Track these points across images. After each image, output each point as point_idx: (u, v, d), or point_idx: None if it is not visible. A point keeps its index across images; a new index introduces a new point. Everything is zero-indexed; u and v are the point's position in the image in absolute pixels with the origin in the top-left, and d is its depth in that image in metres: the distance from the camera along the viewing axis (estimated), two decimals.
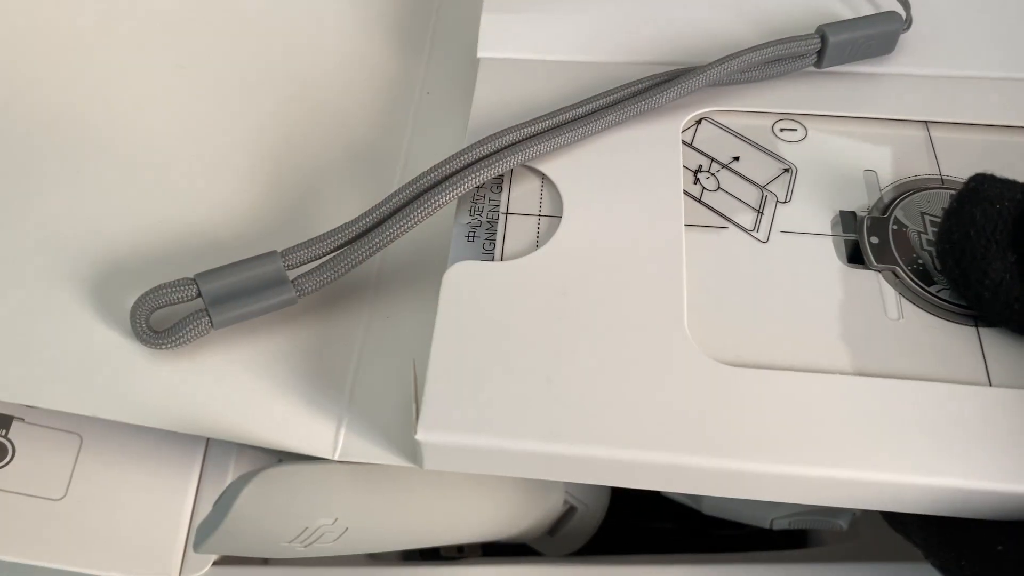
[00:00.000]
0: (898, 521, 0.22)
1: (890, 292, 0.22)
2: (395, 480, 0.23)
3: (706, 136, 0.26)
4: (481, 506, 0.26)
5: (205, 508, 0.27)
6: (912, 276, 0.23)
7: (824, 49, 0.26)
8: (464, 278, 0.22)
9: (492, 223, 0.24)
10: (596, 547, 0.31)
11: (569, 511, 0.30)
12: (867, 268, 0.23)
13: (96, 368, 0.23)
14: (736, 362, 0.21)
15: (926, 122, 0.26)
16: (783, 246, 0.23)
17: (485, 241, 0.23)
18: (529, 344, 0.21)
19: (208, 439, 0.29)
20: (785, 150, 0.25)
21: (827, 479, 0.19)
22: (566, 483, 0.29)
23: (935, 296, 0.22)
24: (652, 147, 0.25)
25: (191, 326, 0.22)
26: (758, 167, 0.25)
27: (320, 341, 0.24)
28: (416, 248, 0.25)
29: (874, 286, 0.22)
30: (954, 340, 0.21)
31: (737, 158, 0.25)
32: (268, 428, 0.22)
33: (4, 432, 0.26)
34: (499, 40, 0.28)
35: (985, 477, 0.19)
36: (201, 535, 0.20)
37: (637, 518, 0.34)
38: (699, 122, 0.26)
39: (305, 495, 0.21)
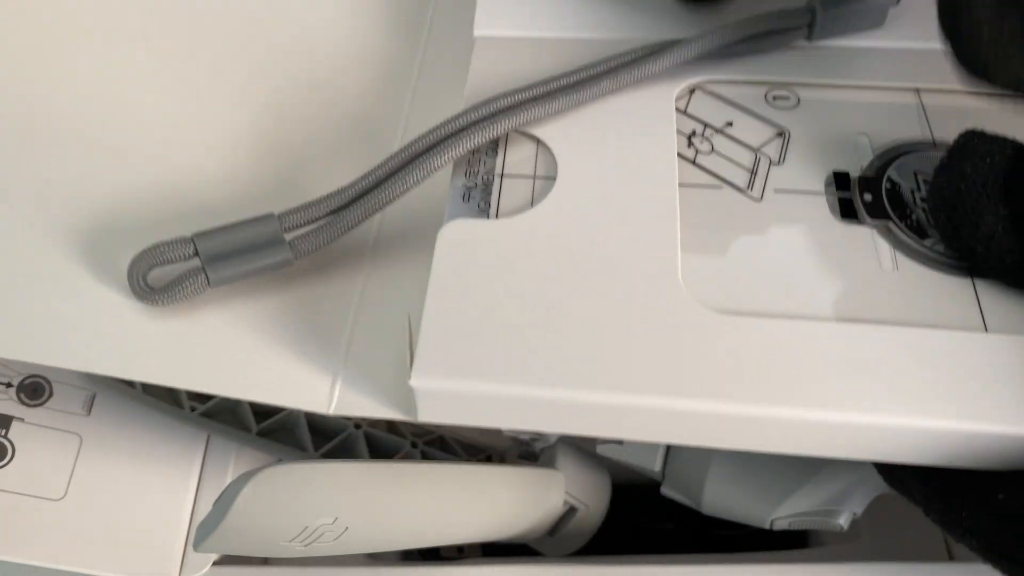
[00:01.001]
0: (897, 479, 0.22)
1: (884, 245, 0.22)
2: (395, 480, 0.23)
3: (699, 104, 0.26)
4: (481, 506, 0.26)
5: (205, 508, 0.27)
6: (906, 230, 0.23)
7: (815, 22, 0.26)
8: (459, 235, 0.22)
9: (487, 185, 0.24)
10: (596, 547, 0.31)
11: (569, 511, 0.30)
12: (861, 224, 0.23)
13: (94, 325, 0.23)
14: (730, 311, 0.21)
15: (917, 89, 0.26)
16: (777, 204, 0.23)
17: (480, 201, 0.24)
18: (524, 295, 0.21)
19: (208, 438, 0.29)
20: (778, 116, 0.26)
21: (824, 422, 0.19)
22: (566, 483, 0.29)
23: (929, 249, 0.22)
24: (646, 113, 0.25)
25: (188, 282, 0.22)
26: (751, 132, 0.25)
27: (317, 299, 0.24)
28: (412, 213, 0.26)
29: (868, 240, 0.22)
30: (949, 289, 0.21)
31: (731, 123, 0.25)
32: (264, 384, 0.22)
33: (4, 432, 0.26)
34: (495, 18, 0.28)
35: (985, 419, 0.19)
36: (201, 534, 0.20)
37: (637, 518, 0.33)
38: (692, 92, 0.26)
39: (305, 494, 0.21)
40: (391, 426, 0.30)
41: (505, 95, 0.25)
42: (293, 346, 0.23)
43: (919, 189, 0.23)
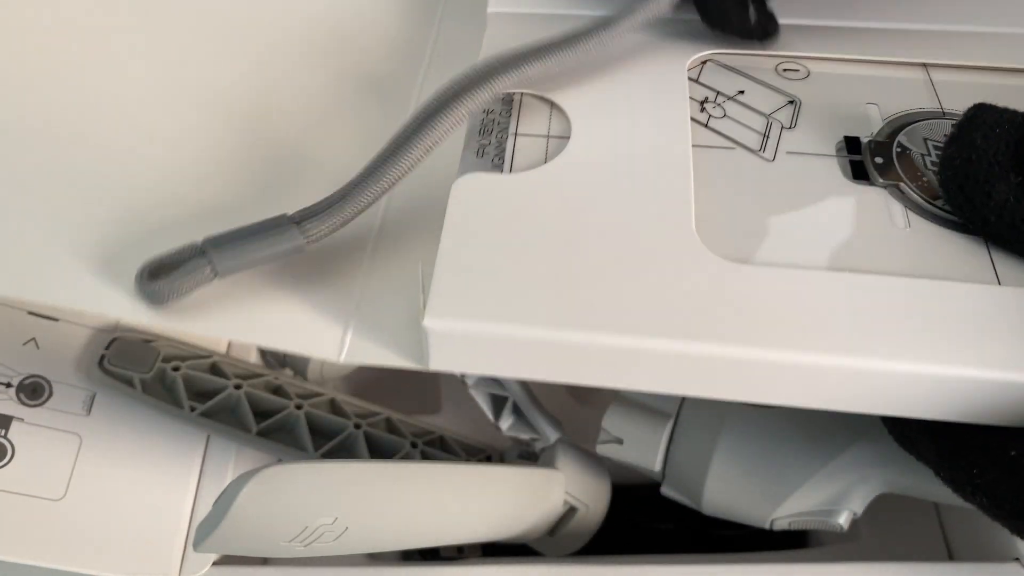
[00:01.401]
0: (907, 437, 0.22)
1: (896, 205, 0.23)
2: (395, 480, 0.23)
3: (711, 75, 0.27)
4: (481, 506, 0.26)
5: (205, 508, 0.27)
6: (918, 191, 0.23)
7: None
8: (473, 187, 0.23)
9: (501, 143, 0.24)
10: (596, 547, 0.31)
11: (569, 511, 0.30)
12: (872, 184, 0.23)
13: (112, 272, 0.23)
14: (744, 260, 0.21)
15: (925, 64, 0.26)
16: (789, 164, 0.24)
17: (494, 157, 0.24)
18: (538, 242, 0.21)
19: (208, 438, 0.29)
20: (789, 86, 0.26)
21: (836, 368, 0.19)
22: (566, 483, 0.29)
23: (941, 209, 0.22)
24: (658, 79, 0.26)
25: (194, 275, 0.22)
26: (763, 99, 0.26)
27: (329, 250, 0.24)
28: (425, 173, 0.26)
29: (880, 199, 0.23)
30: (962, 246, 0.22)
31: (742, 92, 0.26)
32: (275, 330, 0.22)
33: (4, 432, 0.26)
34: None
35: (999, 366, 0.19)
36: (201, 534, 0.20)
37: (637, 518, 0.33)
38: (704, 63, 0.27)
39: (305, 494, 0.21)
40: (391, 426, 0.30)
41: (517, 50, 0.25)
42: (305, 295, 0.23)
43: (929, 154, 0.24)
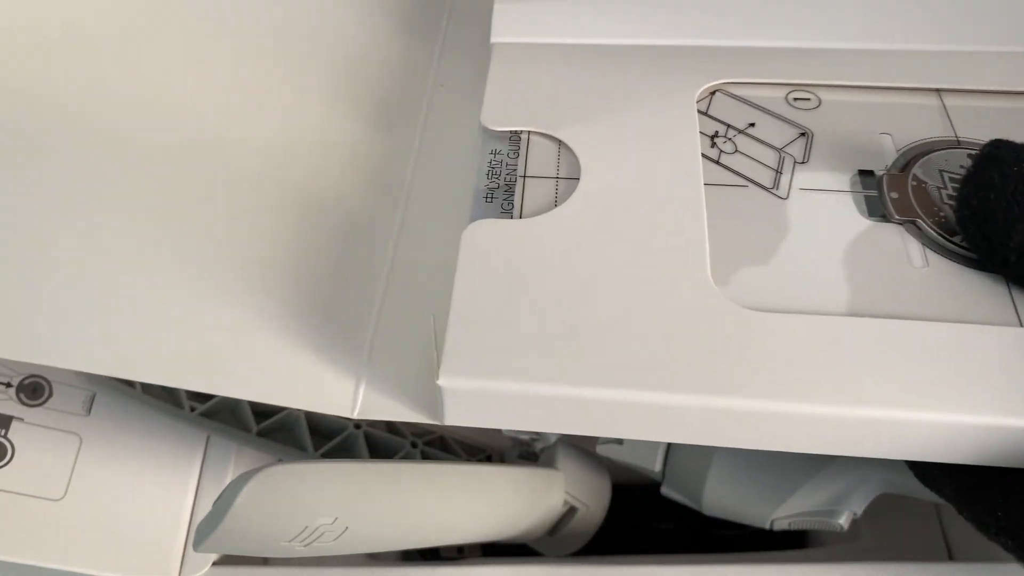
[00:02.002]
0: (929, 476, 0.22)
1: (913, 243, 0.22)
2: (395, 480, 0.23)
3: (720, 106, 0.26)
4: (481, 506, 0.26)
5: (205, 508, 0.27)
6: (935, 227, 0.22)
7: None
8: (483, 235, 0.22)
9: (510, 186, 0.24)
10: (596, 547, 0.31)
11: (569, 511, 0.30)
12: (888, 221, 0.23)
13: (111, 324, 0.22)
14: (762, 307, 0.21)
15: (938, 90, 0.26)
16: (803, 202, 0.23)
17: (503, 202, 0.23)
18: (551, 294, 0.21)
19: (208, 438, 0.29)
20: (800, 117, 0.26)
21: (858, 419, 0.19)
22: (566, 483, 0.29)
23: (959, 246, 0.22)
24: (667, 114, 0.25)
25: None
26: (774, 132, 0.25)
27: (338, 301, 0.24)
28: (433, 215, 0.26)
29: (896, 237, 0.22)
30: (982, 285, 0.21)
31: (753, 124, 0.25)
32: (286, 387, 0.22)
33: (4, 432, 0.26)
34: (513, 24, 0.28)
35: (1022, 414, 0.19)
36: (201, 534, 0.20)
37: (637, 518, 0.33)
38: (713, 94, 0.26)
39: (305, 494, 0.21)
40: (391, 426, 0.30)
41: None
42: (315, 348, 0.23)
43: (945, 187, 0.23)
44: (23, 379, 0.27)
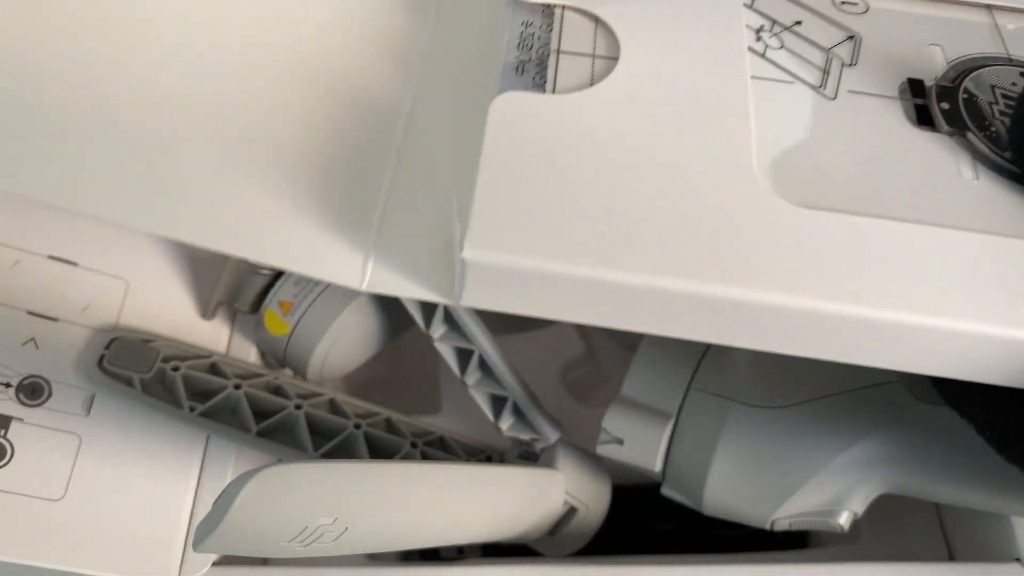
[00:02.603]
0: (955, 396, 0.21)
1: (963, 155, 0.22)
2: (395, 480, 0.23)
3: (765, 2, 0.25)
4: (481, 507, 0.26)
5: (205, 508, 0.27)
6: (986, 142, 0.22)
7: None
8: (514, 106, 0.21)
9: (542, 60, 0.23)
10: (596, 547, 0.31)
11: (569, 512, 0.30)
12: (937, 131, 0.22)
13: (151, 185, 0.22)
14: (807, 205, 0.20)
15: (990, 7, 0.26)
16: (851, 104, 0.23)
17: (536, 75, 0.23)
18: (587, 172, 0.20)
19: (208, 438, 0.29)
20: (847, 20, 0.25)
21: (900, 324, 0.19)
22: (566, 483, 0.29)
23: (1010, 162, 0.22)
24: (711, 2, 0.24)
25: None
26: (821, 33, 0.25)
27: (348, 174, 0.23)
28: (448, 81, 0.24)
29: (946, 148, 0.22)
30: None
31: (799, 23, 0.25)
32: (296, 255, 0.21)
33: (3, 432, 0.26)
34: None
35: None
36: (200, 534, 0.20)
37: (637, 518, 0.33)
38: None
39: (305, 494, 0.21)
40: (391, 426, 0.30)
41: None
42: (322, 219, 0.22)
43: (997, 102, 0.23)
44: (23, 379, 0.27)
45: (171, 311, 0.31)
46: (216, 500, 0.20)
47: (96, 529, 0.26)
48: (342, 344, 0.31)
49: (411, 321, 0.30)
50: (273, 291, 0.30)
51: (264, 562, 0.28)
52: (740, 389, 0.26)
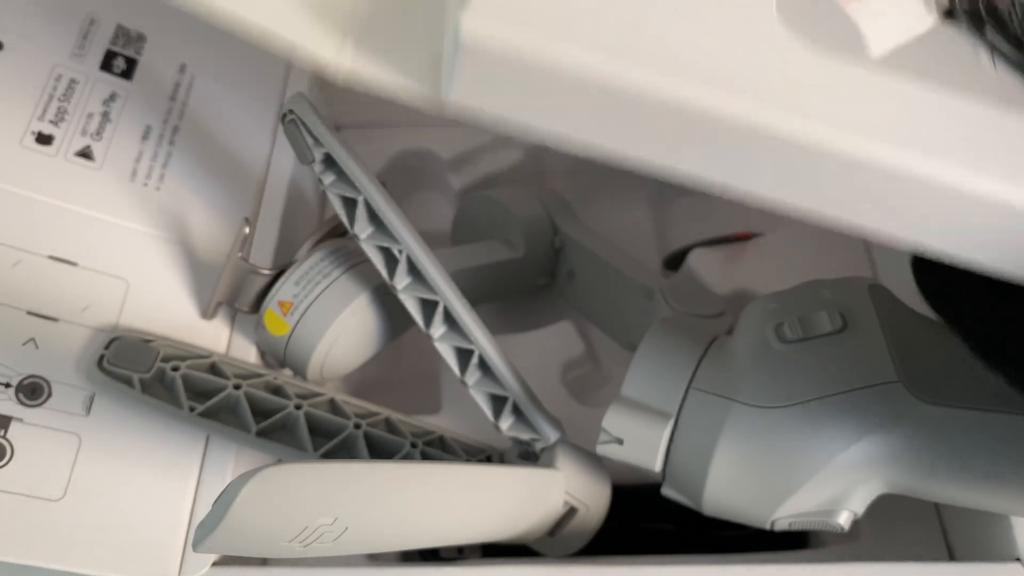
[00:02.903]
0: (942, 297, 0.21)
1: (982, 49, 0.22)
2: (395, 480, 0.23)
3: None
4: (481, 507, 0.26)
5: (205, 508, 0.27)
6: (1005, 40, 0.22)
7: None
8: None
9: None
10: (596, 547, 0.31)
11: (569, 511, 0.30)
12: (958, 21, 0.22)
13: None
14: (827, 46, 0.19)
15: None
16: None
17: None
18: None
19: (207, 438, 0.29)
20: None
21: (908, 175, 0.17)
22: (566, 483, 0.29)
23: None
24: None
25: None
26: None
27: None
28: None
29: (966, 39, 0.22)
30: None
31: None
32: (262, 28, 0.18)
33: (3, 432, 0.26)
34: None
35: None
36: (200, 534, 0.20)
37: (637, 518, 0.33)
38: None
39: (305, 494, 0.21)
40: (391, 426, 0.30)
41: None
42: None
43: (1015, 8, 0.23)
44: (22, 379, 0.27)
45: (171, 311, 0.31)
46: (216, 500, 0.20)
47: (96, 529, 0.26)
48: (342, 344, 0.31)
49: (411, 321, 0.30)
50: (273, 291, 0.30)
51: (264, 562, 0.28)
52: (740, 389, 0.26)
